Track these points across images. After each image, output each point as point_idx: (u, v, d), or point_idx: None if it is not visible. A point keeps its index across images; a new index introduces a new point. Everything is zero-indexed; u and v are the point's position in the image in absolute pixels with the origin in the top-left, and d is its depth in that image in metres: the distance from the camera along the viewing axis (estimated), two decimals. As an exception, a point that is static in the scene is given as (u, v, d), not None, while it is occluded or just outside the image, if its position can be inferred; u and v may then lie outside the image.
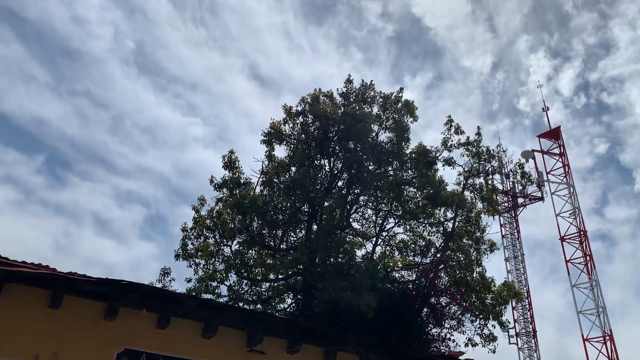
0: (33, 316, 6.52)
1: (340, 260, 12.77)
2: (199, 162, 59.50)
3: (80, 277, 6.37)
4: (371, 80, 14.85)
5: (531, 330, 30.89)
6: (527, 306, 31.31)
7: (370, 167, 13.43)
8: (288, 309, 14.66)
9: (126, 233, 57.35)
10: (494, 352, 13.63)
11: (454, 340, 13.46)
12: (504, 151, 14.08)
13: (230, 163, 14.14)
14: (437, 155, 13.64)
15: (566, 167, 31.93)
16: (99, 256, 52.36)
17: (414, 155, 13.43)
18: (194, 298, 7.51)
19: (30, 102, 43.77)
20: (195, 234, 14.53)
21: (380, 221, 14.55)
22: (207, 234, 14.56)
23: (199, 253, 14.44)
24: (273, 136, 14.43)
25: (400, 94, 14.53)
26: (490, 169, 14.20)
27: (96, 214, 54.87)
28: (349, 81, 14.85)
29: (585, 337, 27.43)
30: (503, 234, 33.07)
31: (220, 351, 7.66)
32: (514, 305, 31.02)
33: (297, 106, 14.53)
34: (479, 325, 13.63)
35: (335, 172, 13.92)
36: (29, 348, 6.36)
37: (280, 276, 14.72)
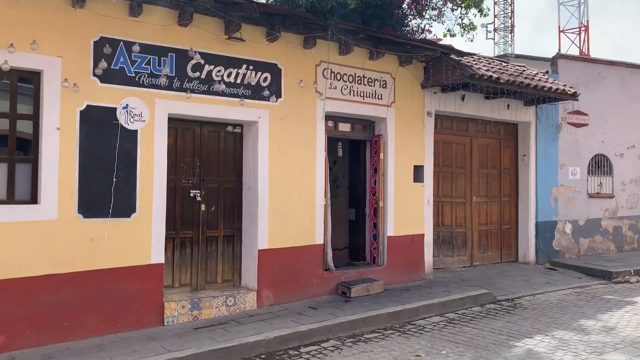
0: (-5, 5, 6.18)
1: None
2: None
3: (34, -41, 5.82)
4: None
5: (509, 25, 31.22)
6: (509, 0, 31.02)
7: None
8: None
9: None
10: (471, 41, 13.93)
11: (433, 33, 13.64)
12: None
13: None
14: None
15: None
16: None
17: None
18: (164, -19, 7.05)
19: None
20: None
21: None
22: None
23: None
24: None
25: None
26: None
27: None
28: None
29: (561, 29, 28.00)
30: None
31: (198, 39, 7.59)
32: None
33: None
34: (459, 15, 13.58)
35: None
36: (2, 39, 6.19)
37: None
